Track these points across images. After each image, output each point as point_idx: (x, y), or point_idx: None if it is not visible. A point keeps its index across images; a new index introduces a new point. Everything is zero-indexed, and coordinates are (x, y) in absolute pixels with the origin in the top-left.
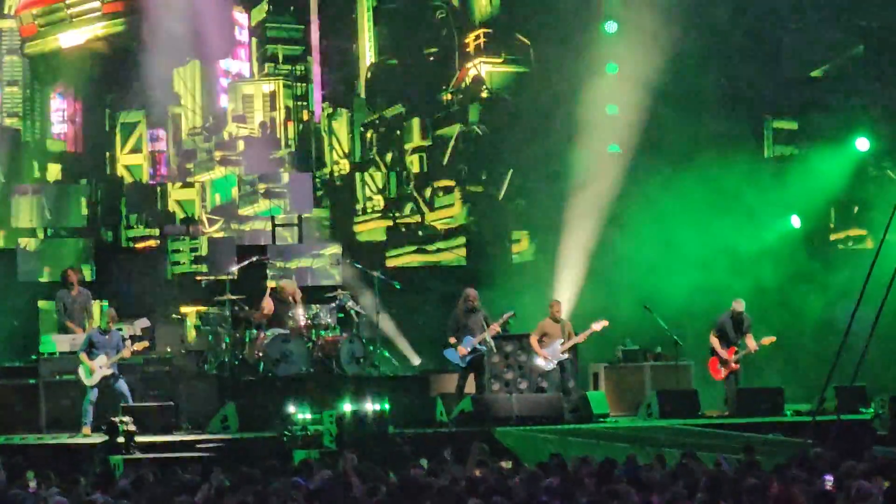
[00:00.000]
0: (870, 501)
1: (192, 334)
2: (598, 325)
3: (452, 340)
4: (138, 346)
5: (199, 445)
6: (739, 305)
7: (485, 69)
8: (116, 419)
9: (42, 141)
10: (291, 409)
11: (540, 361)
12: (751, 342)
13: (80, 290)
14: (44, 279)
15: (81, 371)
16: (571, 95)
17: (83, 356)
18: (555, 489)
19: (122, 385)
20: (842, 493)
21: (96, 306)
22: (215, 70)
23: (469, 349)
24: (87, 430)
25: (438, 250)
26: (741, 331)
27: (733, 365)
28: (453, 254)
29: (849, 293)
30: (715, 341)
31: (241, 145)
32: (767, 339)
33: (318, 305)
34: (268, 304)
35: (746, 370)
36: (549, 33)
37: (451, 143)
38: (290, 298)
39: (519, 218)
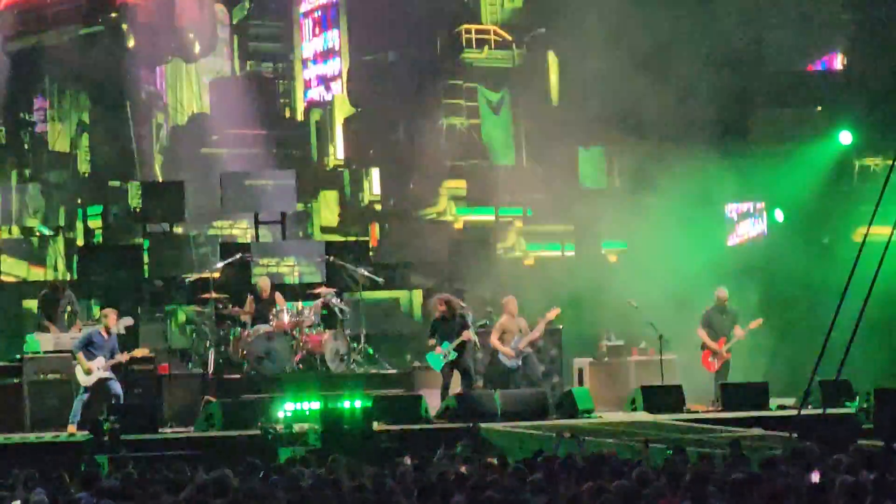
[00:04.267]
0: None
1: (176, 333)
2: (551, 314)
3: (431, 342)
4: (137, 353)
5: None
6: (723, 293)
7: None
8: (102, 418)
9: None
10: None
11: (504, 360)
12: (738, 331)
13: (64, 294)
14: (28, 278)
15: (78, 370)
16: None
17: (80, 355)
18: (540, 485)
19: (116, 386)
20: (827, 487)
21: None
22: (198, 68)
23: (445, 354)
24: (72, 428)
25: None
26: (728, 318)
27: (725, 354)
28: None
29: (833, 287)
30: (703, 334)
31: (223, 142)
32: (755, 323)
33: (301, 303)
34: (251, 303)
35: (732, 364)
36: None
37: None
38: (263, 295)
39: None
